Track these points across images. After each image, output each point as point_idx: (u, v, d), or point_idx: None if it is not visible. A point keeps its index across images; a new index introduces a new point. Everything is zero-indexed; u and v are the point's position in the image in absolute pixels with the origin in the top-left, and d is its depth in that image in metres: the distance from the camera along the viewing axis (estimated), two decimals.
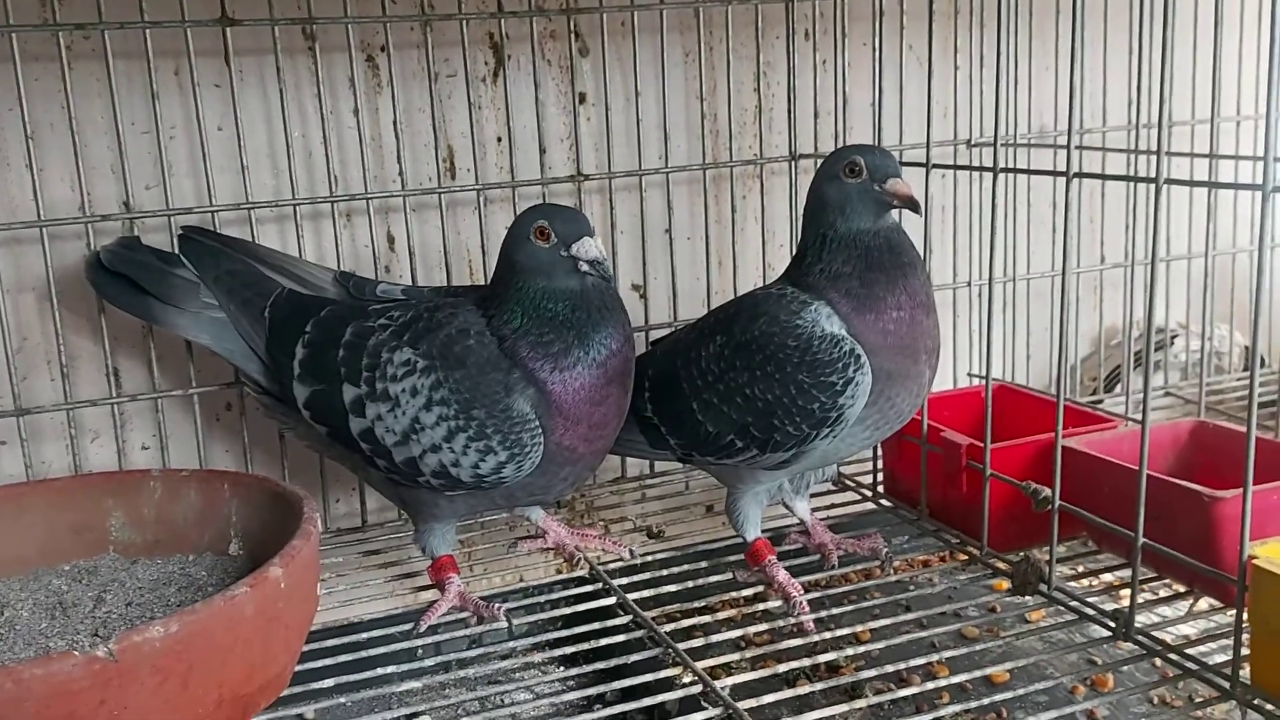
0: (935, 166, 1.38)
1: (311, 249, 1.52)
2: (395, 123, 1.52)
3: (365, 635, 1.25)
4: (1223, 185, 1.10)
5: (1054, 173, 1.24)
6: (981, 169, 1.39)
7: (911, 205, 1.22)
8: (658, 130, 1.64)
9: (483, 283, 1.60)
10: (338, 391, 1.24)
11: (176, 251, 1.36)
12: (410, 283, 1.53)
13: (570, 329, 1.21)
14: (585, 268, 1.21)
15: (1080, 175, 1.15)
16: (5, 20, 1.31)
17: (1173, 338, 2.03)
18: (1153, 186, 1.06)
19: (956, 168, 1.51)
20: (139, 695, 0.89)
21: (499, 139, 1.61)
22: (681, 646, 1.19)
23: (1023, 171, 1.29)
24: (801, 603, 1.28)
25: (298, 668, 1.09)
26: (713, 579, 1.37)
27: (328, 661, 1.19)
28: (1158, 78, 1.07)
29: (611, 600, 1.33)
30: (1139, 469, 1.11)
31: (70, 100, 1.36)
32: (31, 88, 1.35)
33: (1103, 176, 1.17)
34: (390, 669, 1.20)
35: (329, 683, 1.16)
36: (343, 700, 1.15)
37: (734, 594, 1.35)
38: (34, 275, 1.42)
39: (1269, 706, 1.03)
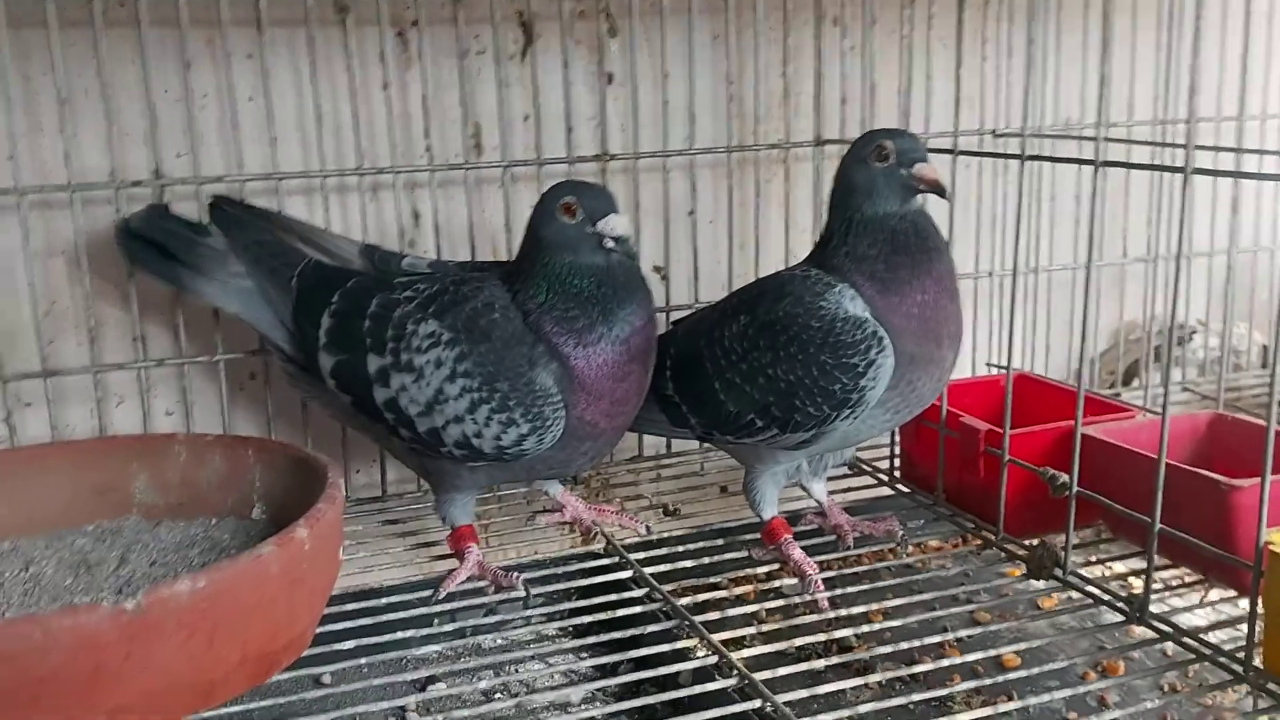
0: (962, 153, 1.38)
1: (337, 221, 1.53)
2: (424, 98, 1.53)
3: (384, 601, 1.27)
4: (1248, 175, 1.10)
5: (1081, 161, 1.24)
6: (1008, 156, 1.39)
7: (938, 190, 1.23)
8: (684, 112, 1.65)
9: (507, 259, 1.61)
10: (362, 361, 1.26)
11: (206, 220, 1.38)
12: (434, 258, 1.54)
13: (595, 305, 1.22)
14: (610, 244, 1.22)
15: (1108, 164, 1.15)
16: None
17: (1191, 334, 2.03)
18: (1178, 181, 1.06)
19: (983, 155, 1.51)
20: (164, 649, 0.91)
21: (526, 117, 1.62)
22: (697, 620, 1.21)
23: (1050, 159, 1.29)
24: (816, 581, 1.29)
25: (318, 629, 1.11)
26: (728, 556, 1.38)
27: (348, 625, 1.21)
28: (1184, 72, 1.08)
29: (627, 574, 1.34)
30: (1159, 455, 1.11)
31: (104, 67, 1.37)
32: (67, 53, 1.36)
33: (1130, 165, 1.18)
34: (410, 633, 1.21)
35: (349, 644, 1.17)
36: (360, 664, 1.17)
37: (749, 571, 1.36)
38: (64, 239, 1.43)
39: None
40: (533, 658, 1.38)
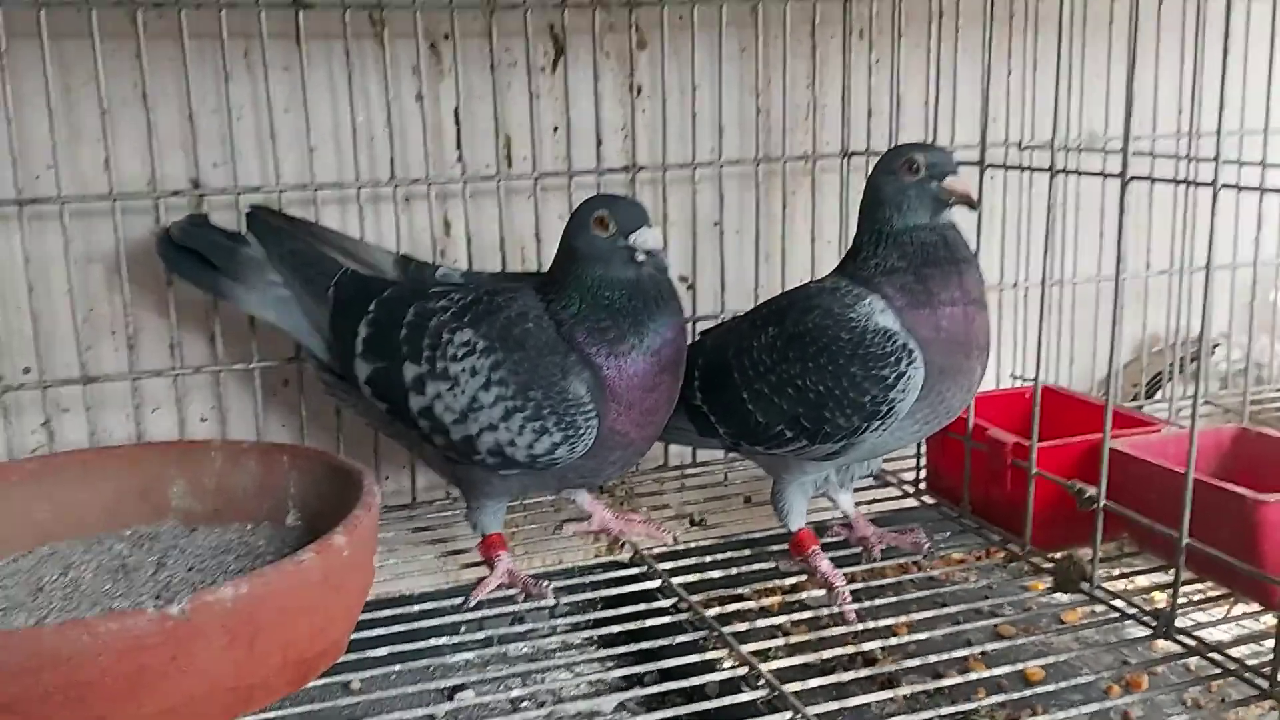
0: (990, 166, 1.39)
1: (371, 232, 1.55)
2: (456, 110, 1.54)
3: (416, 608, 1.28)
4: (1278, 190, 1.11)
5: (1109, 174, 1.25)
6: (1037, 170, 1.40)
7: (969, 203, 1.24)
8: (712, 124, 1.67)
9: (537, 269, 1.63)
10: (399, 369, 1.27)
11: (243, 230, 1.40)
12: (466, 268, 1.56)
13: (626, 317, 1.24)
14: (642, 258, 1.23)
15: (1136, 178, 1.16)
16: None
17: (1214, 347, 2.03)
18: (1202, 193, 1.07)
19: (1011, 168, 1.52)
20: (207, 653, 0.93)
21: (556, 128, 1.64)
22: (725, 630, 1.22)
23: (1078, 173, 1.31)
24: (844, 593, 1.30)
25: (352, 636, 1.12)
26: (755, 567, 1.39)
27: (380, 631, 1.22)
28: (1211, 85, 1.08)
29: (654, 584, 1.35)
30: (1186, 470, 1.12)
31: (144, 77, 1.39)
32: (107, 64, 1.38)
33: (1159, 180, 1.19)
34: (441, 640, 1.22)
35: (382, 651, 1.19)
36: (388, 671, 1.18)
37: (775, 582, 1.37)
38: (103, 247, 1.46)
39: None
40: (560, 667, 1.39)
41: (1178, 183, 1.21)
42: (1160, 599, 1.28)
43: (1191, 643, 1.17)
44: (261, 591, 0.95)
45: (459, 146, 1.55)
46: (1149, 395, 2.02)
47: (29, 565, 1.17)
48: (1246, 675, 1.10)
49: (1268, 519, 1.15)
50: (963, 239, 1.28)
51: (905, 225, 1.26)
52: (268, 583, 0.96)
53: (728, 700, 1.13)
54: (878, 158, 1.34)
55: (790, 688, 1.11)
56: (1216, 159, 1.06)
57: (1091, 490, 1.24)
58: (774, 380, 1.29)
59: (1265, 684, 1.08)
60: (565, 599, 1.33)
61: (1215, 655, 1.14)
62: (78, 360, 1.43)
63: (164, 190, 1.43)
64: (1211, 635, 1.20)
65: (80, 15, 1.35)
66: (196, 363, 1.51)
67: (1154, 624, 1.19)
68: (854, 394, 1.23)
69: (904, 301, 1.25)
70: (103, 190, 1.41)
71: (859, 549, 1.44)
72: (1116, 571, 1.39)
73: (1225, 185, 1.06)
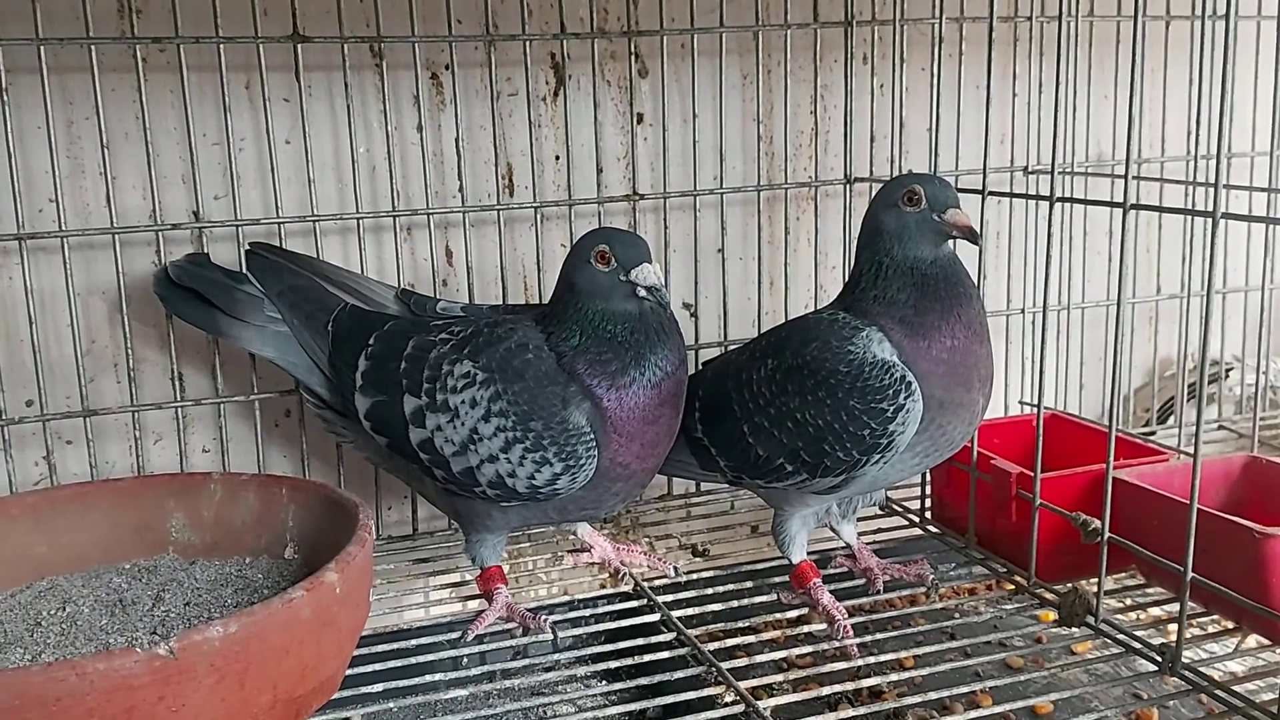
0: (992, 194, 1.38)
1: (372, 262, 1.55)
2: (457, 139, 1.54)
3: (413, 642, 1.27)
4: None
5: (1110, 204, 1.23)
6: (1038, 198, 1.38)
7: (970, 236, 1.22)
8: (714, 151, 1.66)
9: (537, 299, 1.63)
10: (399, 403, 1.27)
11: (243, 266, 1.40)
12: (467, 297, 1.56)
13: (628, 350, 1.23)
14: (643, 293, 1.23)
15: (1136, 207, 1.15)
16: (85, 33, 1.35)
17: (1228, 370, 2.01)
18: (1210, 219, 1.05)
19: (1013, 195, 1.50)
20: (196, 693, 0.92)
21: (557, 157, 1.64)
22: (724, 666, 1.20)
23: (1079, 201, 1.29)
24: (845, 626, 1.28)
25: (347, 671, 1.11)
26: (757, 599, 1.38)
27: (377, 667, 1.21)
28: (1217, 109, 1.06)
29: (655, 616, 1.34)
30: (1190, 503, 1.10)
31: (145, 111, 1.40)
32: (108, 98, 1.40)
33: (1159, 209, 1.17)
34: (438, 676, 1.21)
35: (378, 688, 1.18)
36: (390, 706, 1.17)
37: (778, 615, 1.36)
38: (105, 280, 1.46)
39: None
40: (562, 701, 1.38)
41: (1177, 212, 1.19)
42: (1173, 629, 1.26)
43: (1197, 679, 1.14)
44: (250, 630, 0.94)
45: (460, 176, 1.55)
46: (1162, 420, 2.00)
47: (27, 599, 1.17)
48: (1253, 714, 1.08)
49: (1275, 553, 1.13)
50: (965, 270, 1.27)
51: (906, 257, 1.25)
52: (256, 621, 0.95)
53: None
54: (881, 184, 1.33)
55: None
56: (1216, 186, 1.04)
57: (1096, 522, 1.22)
58: (773, 413, 1.28)
59: None
60: (568, 632, 1.32)
61: (1220, 692, 1.11)
62: (79, 393, 1.43)
63: (165, 223, 1.43)
64: (1226, 666, 1.18)
65: (81, 49, 1.36)
66: (197, 394, 1.51)
67: (1159, 660, 1.17)
68: (853, 427, 1.22)
69: (902, 333, 1.23)
70: (104, 224, 1.41)
71: (863, 580, 1.42)
72: (1129, 601, 1.36)
73: (1225, 215, 1.04)
